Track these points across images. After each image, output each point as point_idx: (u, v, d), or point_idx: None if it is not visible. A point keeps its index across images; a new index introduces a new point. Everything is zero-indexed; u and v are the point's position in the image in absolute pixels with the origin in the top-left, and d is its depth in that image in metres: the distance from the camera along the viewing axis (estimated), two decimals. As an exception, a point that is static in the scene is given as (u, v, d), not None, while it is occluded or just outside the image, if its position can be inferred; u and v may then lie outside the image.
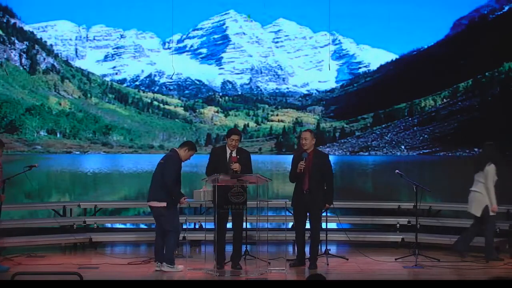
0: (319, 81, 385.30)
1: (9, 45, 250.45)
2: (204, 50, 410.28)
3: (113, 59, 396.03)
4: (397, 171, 6.97)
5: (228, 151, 6.24)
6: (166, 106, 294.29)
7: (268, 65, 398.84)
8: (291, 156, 6.76)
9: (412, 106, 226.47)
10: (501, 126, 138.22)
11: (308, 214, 6.39)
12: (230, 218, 6.24)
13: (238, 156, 6.19)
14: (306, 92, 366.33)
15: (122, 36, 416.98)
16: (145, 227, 9.74)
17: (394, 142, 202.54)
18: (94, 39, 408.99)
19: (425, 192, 6.82)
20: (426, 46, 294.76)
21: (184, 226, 8.12)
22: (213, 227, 6.23)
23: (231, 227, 6.29)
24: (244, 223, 6.72)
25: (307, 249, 6.45)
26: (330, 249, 6.87)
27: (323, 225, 7.58)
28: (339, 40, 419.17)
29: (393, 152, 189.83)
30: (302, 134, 6.47)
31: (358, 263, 6.61)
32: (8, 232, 7.37)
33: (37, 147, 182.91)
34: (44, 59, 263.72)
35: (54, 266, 6.21)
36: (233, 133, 6.27)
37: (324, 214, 7.59)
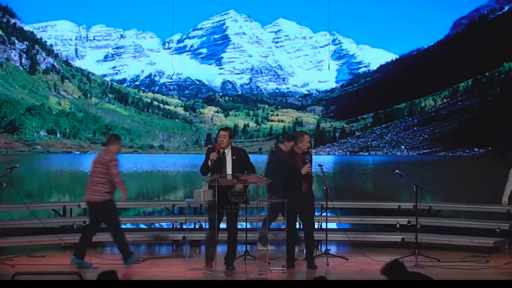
0: (319, 81, 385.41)
1: (9, 45, 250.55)
2: (204, 50, 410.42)
3: (113, 59, 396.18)
4: (397, 171, 6.97)
5: (221, 150, 6.21)
6: (166, 106, 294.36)
7: (268, 65, 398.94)
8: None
9: (412, 106, 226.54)
10: (501, 126, 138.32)
11: (301, 214, 6.37)
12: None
13: (233, 157, 6.22)
14: (306, 92, 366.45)
15: (122, 36, 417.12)
16: (145, 227, 9.75)
17: (394, 142, 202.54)
18: (94, 39, 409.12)
19: (425, 192, 6.82)
20: (426, 46, 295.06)
21: (184, 226, 8.14)
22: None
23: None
24: (244, 223, 6.73)
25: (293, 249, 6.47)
26: (330, 249, 6.86)
27: (323, 225, 7.59)
28: (339, 40, 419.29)
29: (393, 152, 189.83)
30: (306, 138, 6.43)
31: (358, 263, 6.61)
32: (8, 232, 7.37)
33: (37, 147, 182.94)
34: (44, 59, 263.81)
35: (54, 266, 6.21)
36: (221, 129, 6.29)
37: (324, 214, 7.60)
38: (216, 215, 6.03)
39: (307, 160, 6.26)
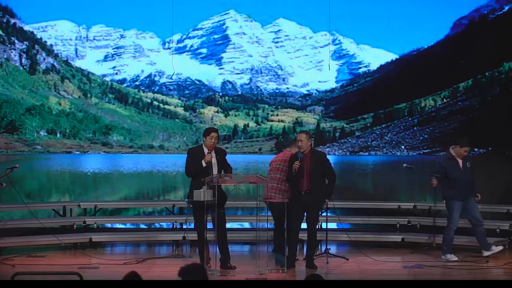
0: (319, 81, 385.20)
1: (9, 45, 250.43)
2: (204, 50, 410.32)
3: (113, 59, 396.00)
4: (405, 164, 6.98)
5: (206, 151, 6.20)
6: (166, 106, 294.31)
7: (268, 65, 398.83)
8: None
9: (412, 106, 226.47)
10: (501, 126, 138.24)
11: (305, 214, 6.36)
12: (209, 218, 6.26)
13: (217, 156, 6.24)
14: (306, 92, 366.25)
15: (122, 36, 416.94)
16: (145, 227, 9.75)
17: (394, 142, 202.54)
18: (94, 39, 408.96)
19: (425, 190, 6.84)
20: (426, 46, 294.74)
21: (184, 226, 8.13)
22: (212, 227, 6.23)
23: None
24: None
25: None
26: (330, 249, 6.85)
27: (323, 225, 7.58)
28: (339, 40, 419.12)
29: (393, 152, 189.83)
30: (297, 136, 6.42)
31: (358, 263, 6.61)
32: (8, 232, 7.37)
33: (37, 147, 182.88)
34: (44, 59, 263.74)
35: (54, 266, 6.21)
36: (213, 131, 6.25)
37: (324, 214, 7.60)
38: (216, 215, 6.04)
39: (299, 157, 6.24)
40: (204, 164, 6.06)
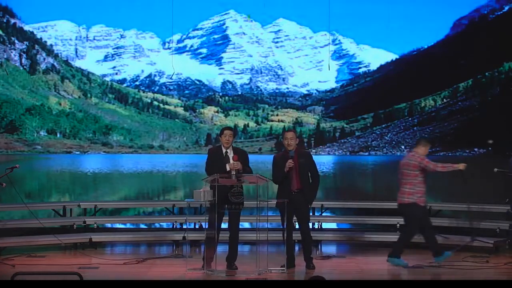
0: (319, 81, 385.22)
1: (9, 45, 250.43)
2: (204, 50, 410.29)
3: (113, 59, 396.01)
4: (496, 169, 7.00)
5: (224, 150, 6.19)
6: (166, 106, 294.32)
7: (268, 65, 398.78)
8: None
9: (412, 106, 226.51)
10: (501, 126, 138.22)
11: (296, 214, 6.32)
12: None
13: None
14: (306, 92, 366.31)
15: (122, 36, 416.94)
16: (145, 227, 9.75)
17: (394, 142, 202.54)
18: (94, 39, 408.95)
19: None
20: (426, 46, 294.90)
21: (184, 226, 8.14)
22: (228, 227, 6.23)
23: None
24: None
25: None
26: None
27: (323, 225, 7.59)
28: (339, 40, 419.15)
29: (393, 152, 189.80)
30: (286, 135, 6.32)
31: (358, 263, 6.61)
32: (8, 232, 7.38)
33: (37, 147, 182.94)
34: (44, 59, 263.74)
35: (54, 266, 6.21)
36: (226, 129, 6.26)
37: (324, 214, 7.60)
38: (215, 215, 6.02)
39: (291, 156, 6.19)
40: (228, 169, 6.07)
